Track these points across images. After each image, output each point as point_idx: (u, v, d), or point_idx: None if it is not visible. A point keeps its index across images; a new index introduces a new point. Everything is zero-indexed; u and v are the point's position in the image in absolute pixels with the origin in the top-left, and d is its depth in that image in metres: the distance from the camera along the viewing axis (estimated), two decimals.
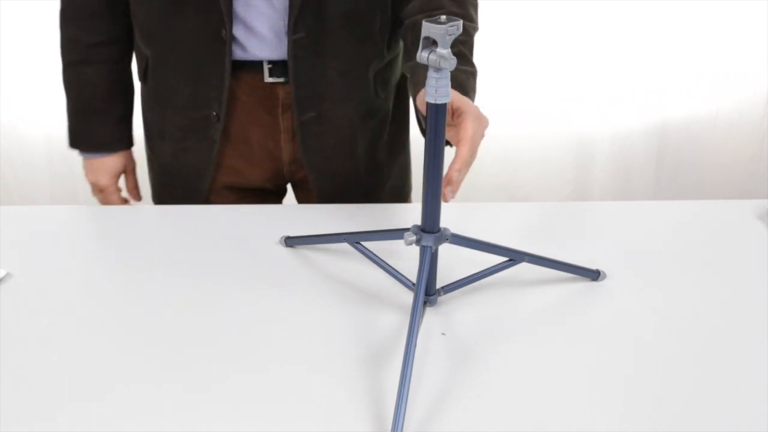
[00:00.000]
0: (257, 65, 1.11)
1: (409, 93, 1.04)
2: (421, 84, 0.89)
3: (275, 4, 1.06)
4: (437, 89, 0.73)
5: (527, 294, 0.93)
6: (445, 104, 0.75)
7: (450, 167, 0.82)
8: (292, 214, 1.14)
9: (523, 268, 0.93)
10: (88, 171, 1.27)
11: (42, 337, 0.84)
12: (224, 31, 1.06)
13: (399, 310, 0.89)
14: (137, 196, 1.32)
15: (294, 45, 1.07)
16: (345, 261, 0.99)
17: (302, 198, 1.29)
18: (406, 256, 0.91)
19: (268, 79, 1.12)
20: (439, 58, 0.71)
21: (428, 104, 0.75)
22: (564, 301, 0.92)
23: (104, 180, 1.25)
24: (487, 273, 0.91)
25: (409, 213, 1.14)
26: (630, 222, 1.11)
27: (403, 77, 1.21)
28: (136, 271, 0.98)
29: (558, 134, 2.24)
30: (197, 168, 1.19)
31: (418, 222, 0.83)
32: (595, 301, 0.92)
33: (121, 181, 1.30)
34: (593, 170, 2.32)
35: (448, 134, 0.86)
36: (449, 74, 0.73)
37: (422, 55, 0.72)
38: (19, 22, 1.98)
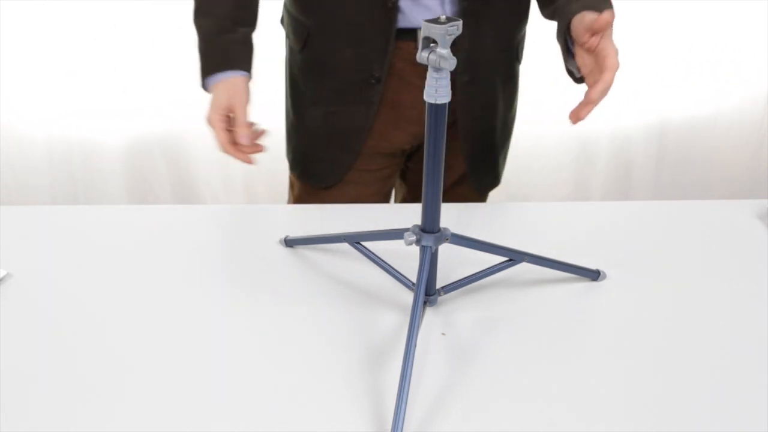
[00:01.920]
0: (412, 34, 1.14)
1: (557, 37, 1.10)
2: (577, 11, 1.03)
3: None
4: (437, 89, 0.73)
5: (527, 294, 0.93)
6: (445, 104, 0.75)
7: (592, 89, 0.97)
8: (292, 214, 1.14)
9: (523, 268, 0.93)
10: (208, 111, 1.14)
11: (42, 337, 0.84)
12: (390, 0, 1.10)
13: (399, 310, 0.89)
14: (245, 137, 1.11)
15: (461, 11, 1.12)
16: (345, 261, 0.99)
17: (419, 160, 1.32)
18: (406, 256, 0.91)
19: None
20: (439, 58, 0.71)
21: (428, 104, 0.75)
22: (564, 301, 0.92)
23: (212, 115, 1.13)
24: (487, 273, 0.91)
25: (409, 213, 1.14)
26: (630, 222, 1.11)
27: None
28: (136, 271, 0.98)
29: (558, 134, 2.24)
30: (350, 130, 1.22)
31: (418, 222, 0.83)
32: (595, 301, 0.92)
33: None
34: (593, 170, 2.32)
35: (581, 58, 1.03)
36: (449, 74, 0.73)
37: (422, 55, 0.72)
38: (19, 22, 1.99)
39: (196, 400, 0.75)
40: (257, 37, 1.20)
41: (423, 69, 1.15)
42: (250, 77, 1.16)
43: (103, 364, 0.80)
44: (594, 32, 0.99)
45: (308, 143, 1.28)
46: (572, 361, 0.81)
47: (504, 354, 0.82)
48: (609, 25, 0.99)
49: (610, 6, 1.10)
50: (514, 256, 0.91)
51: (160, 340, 0.84)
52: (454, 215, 1.12)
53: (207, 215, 1.14)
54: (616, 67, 0.98)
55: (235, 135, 1.11)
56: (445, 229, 0.83)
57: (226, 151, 1.12)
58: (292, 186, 1.39)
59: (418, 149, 1.33)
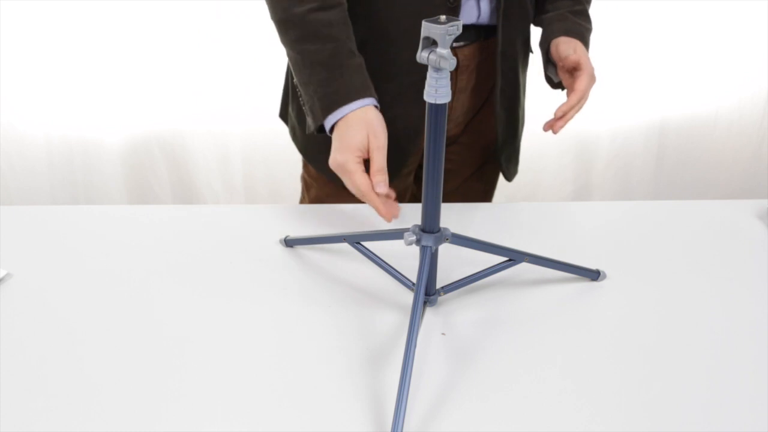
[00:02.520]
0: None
1: (541, 42, 1.22)
2: (557, 33, 1.18)
3: None
4: (437, 89, 0.73)
5: (527, 294, 0.93)
6: (445, 104, 0.75)
7: (558, 108, 1.12)
8: (292, 214, 1.14)
9: (523, 268, 0.93)
10: (337, 153, 1.00)
11: (42, 337, 0.84)
12: None
13: (399, 310, 0.89)
14: (381, 185, 0.96)
15: (503, 13, 1.15)
16: (345, 261, 0.99)
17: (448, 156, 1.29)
18: (406, 256, 0.91)
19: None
20: (439, 58, 0.71)
21: (428, 104, 0.75)
22: (564, 301, 0.92)
23: (344, 156, 0.98)
24: (487, 273, 0.91)
25: (409, 213, 1.14)
26: (630, 222, 1.11)
27: None
28: (136, 271, 0.98)
29: (558, 134, 2.24)
30: (407, 133, 1.18)
31: (418, 222, 0.83)
32: (595, 301, 0.92)
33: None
34: (593, 170, 2.32)
35: (565, 80, 1.16)
36: (449, 74, 0.73)
37: (422, 55, 0.72)
38: (19, 22, 1.99)
39: (196, 400, 0.75)
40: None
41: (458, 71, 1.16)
42: (370, 96, 1.03)
43: (103, 363, 0.80)
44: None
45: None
46: (572, 360, 0.81)
47: (504, 354, 0.82)
48: (575, 64, 1.12)
49: (587, 26, 1.22)
50: (514, 256, 0.91)
51: (160, 340, 0.84)
52: (454, 215, 1.12)
53: (207, 215, 1.14)
54: (582, 90, 1.12)
55: (373, 181, 0.96)
56: (445, 229, 0.83)
57: (369, 200, 0.96)
58: (307, 187, 1.31)
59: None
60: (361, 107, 1.00)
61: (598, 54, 2.15)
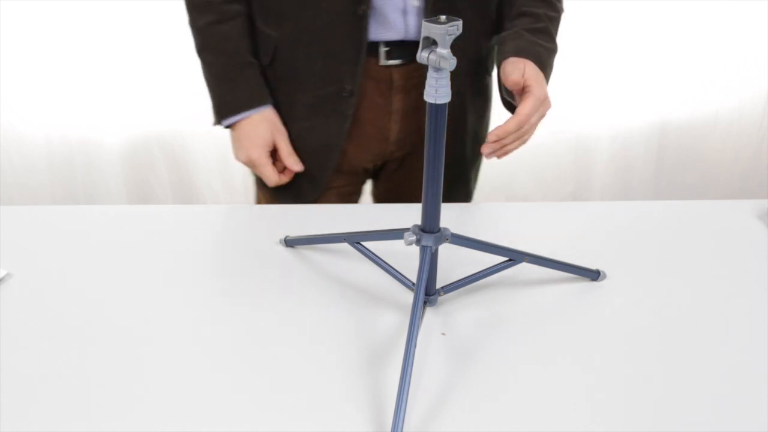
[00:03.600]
0: (373, 49, 1.12)
1: (495, 63, 1.17)
2: (507, 53, 1.08)
3: None
4: (437, 89, 0.73)
5: (527, 294, 0.93)
6: (445, 104, 0.75)
7: (492, 131, 1.03)
8: (292, 214, 1.14)
9: (523, 268, 0.93)
10: (237, 149, 1.19)
11: (42, 337, 0.84)
12: (362, 7, 1.07)
13: (399, 310, 0.89)
14: (297, 164, 1.19)
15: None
16: (345, 261, 0.99)
17: (387, 178, 1.31)
18: (406, 256, 0.91)
19: (383, 62, 1.13)
20: (439, 58, 0.71)
21: (428, 104, 0.75)
22: (564, 301, 0.92)
23: (254, 153, 1.17)
24: (487, 273, 0.91)
25: (409, 213, 1.14)
26: (630, 222, 1.11)
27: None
28: (136, 271, 0.98)
29: (558, 134, 2.24)
30: (325, 147, 1.18)
31: (418, 222, 0.83)
32: (595, 301, 0.92)
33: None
34: (593, 170, 2.32)
35: (512, 86, 1.05)
36: (449, 74, 0.73)
37: (422, 55, 0.72)
38: (19, 22, 1.99)
39: (196, 400, 0.75)
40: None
41: (385, 86, 1.16)
42: (265, 101, 1.17)
43: (103, 363, 0.80)
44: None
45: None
46: (572, 361, 0.81)
47: (504, 354, 0.82)
48: (517, 85, 1.04)
49: (547, 45, 1.14)
50: (514, 256, 0.91)
51: (159, 340, 0.84)
52: (454, 215, 1.12)
53: (207, 215, 1.14)
54: (525, 115, 1.02)
55: (289, 166, 1.17)
56: (445, 229, 0.83)
57: (276, 183, 1.18)
58: (258, 199, 1.34)
59: (382, 167, 1.30)
60: (262, 111, 1.16)
61: (598, 54, 2.16)
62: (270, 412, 0.74)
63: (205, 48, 1.17)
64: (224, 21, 1.14)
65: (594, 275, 0.95)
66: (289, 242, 1.03)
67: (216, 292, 0.93)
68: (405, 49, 1.12)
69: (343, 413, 0.73)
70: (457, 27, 0.70)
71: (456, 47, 1.12)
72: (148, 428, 0.72)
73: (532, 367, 0.80)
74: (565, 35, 2.12)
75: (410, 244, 0.82)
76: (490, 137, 1.03)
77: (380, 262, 0.94)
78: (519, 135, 1.04)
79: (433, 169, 0.78)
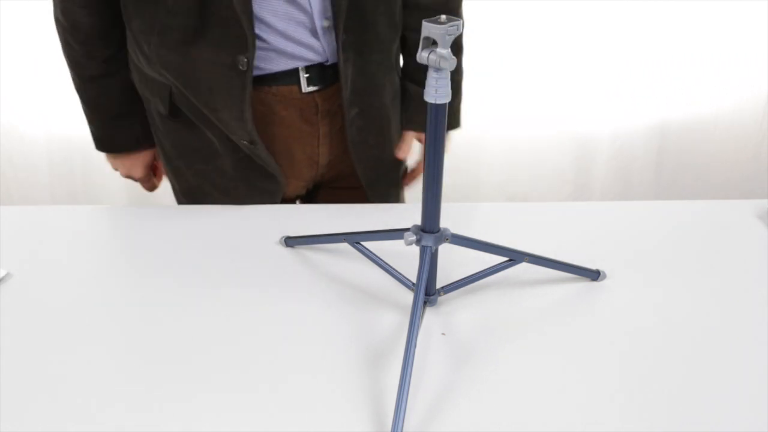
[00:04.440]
0: (293, 77, 1.09)
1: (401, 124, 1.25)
2: (407, 125, 1.25)
3: (306, 7, 1.04)
4: (437, 89, 0.73)
5: (527, 294, 0.93)
6: (445, 104, 0.75)
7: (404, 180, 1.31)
8: (292, 214, 1.14)
9: (523, 268, 0.93)
10: (119, 167, 1.25)
11: (42, 337, 0.84)
12: (244, 59, 1.02)
13: (399, 310, 0.89)
14: (155, 187, 1.35)
15: (343, 47, 1.07)
16: (345, 261, 0.99)
17: (326, 198, 1.29)
18: (406, 256, 0.91)
19: (306, 89, 1.11)
20: (439, 58, 0.71)
21: (428, 104, 0.75)
22: (564, 301, 0.92)
23: (139, 173, 1.26)
24: (487, 273, 0.91)
25: (409, 213, 1.14)
26: (630, 222, 1.11)
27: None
28: (136, 271, 0.98)
29: (558, 134, 2.24)
30: (266, 173, 1.15)
31: (418, 222, 0.83)
32: (595, 301, 0.92)
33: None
34: (593, 170, 2.32)
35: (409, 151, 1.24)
36: (449, 74, 0.73)
37: (422, 55, 0.72)
38: (19, 22, 1.98)
39: (196, 400, 0.75)
40: None
41: (310, 113, 1.13)
42: (144, 146, 1.23)
43: (103, 363, 0.80)
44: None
45: (231, 195, 1.17)
46: (572, 360, 0.81)
47: (504, 354, 0.82)
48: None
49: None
50: (514, 256, 0.91)
51: (159, 340, 0.84)
52: (454, 215, 1.12)
53: (207, 215, 1.14)
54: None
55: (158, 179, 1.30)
56: (445, 229, 0.83)
57: (151, 191, 1.33)
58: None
59: (314, 191, 1.28)
60: (125, 155, 1.23)
61: (598, 54, 2.16)
62: (270, 411, 0.74)
63: (89, 98, 1.18)
64: (110, 75, 1.15)
65: (594, 275, 0.95)
66: (289, 242, 1.03)
67: (216, 292, 0.93)
68: (326, 72, 1.10)
69: (343, 413, 0.73)
70: (457, 27, 0.70)
71: (372, 62, 1.11)
72: (148, 428, 0.72)
73: (532, 366, 0.80)
74: (565, 35, 2.13)
75: (410, 244, 0.82)
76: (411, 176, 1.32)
77: (380, 262, 0.94)
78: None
79: (433, 169, 0.78)
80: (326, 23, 1.06)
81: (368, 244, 0.95)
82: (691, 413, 0.74)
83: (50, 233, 1.07)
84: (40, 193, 2.21)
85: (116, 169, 1.26)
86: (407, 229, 0.83)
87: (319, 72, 1.10)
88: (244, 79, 1.04)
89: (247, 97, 1.05)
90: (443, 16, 0.71)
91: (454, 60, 0.71)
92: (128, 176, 1.27)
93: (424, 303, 0.88)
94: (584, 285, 0.95)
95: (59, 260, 1.00)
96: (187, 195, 1.25)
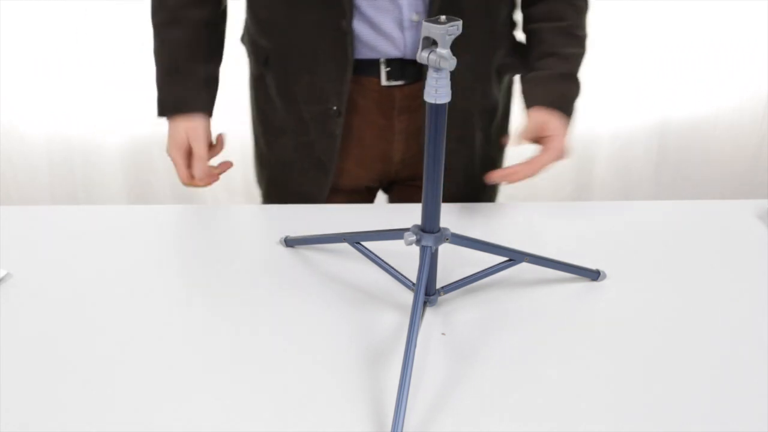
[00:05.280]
0: (374, 68, 1.09)
1: (524, 102, 1.15)
2: (533, 101, 1.11)
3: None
4: (437, 89, 0.73)
5: (527, 294, 0.93)
6: (445, 104, 0.75)
7: (499, 171, 1.08)
8: (292, 214, 1.14)
9: (523, 268, 0.93)
10: (169, 148, 1.20)
11: (42, 337, 0.84)
12: (344, 22, 1.04)
13: (399, 310, 0.89)
14: (202, 172, 1.18)
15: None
16: (345, 261, 0.99)
17: (400, 196, 1.28)
18: (406, 256, 0.91)
19: (384, 83, 1.10)
20: (439, 58, 0.71)
21: (428, 104, 0.75)
22: (564, 301, 0.92)
23: (172, 152, 1.19)
24: (487, 273, 0.91)
25: (409, 213, 1.14)
26: (630, 222, 1.11)
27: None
28: (136, 270, 0.98)
29: None
30: (321, 162, 1.16)
31: (418, 222, 0.83)
32: (595, 301, 0.92)
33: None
34: (593, 170, 2.32)
35: (532, 139, 1.09)
36: (449, 74, 0.73)
37: (422, 55, 0.72)
38: (19, 23, 1.98)
39: (196, 400, 0.75)
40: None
41: (387, 107, 1.13)
42: (210, 116, 1.17)
43: (103, 363, 0.80)
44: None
45: (281, 175, 1.22)
46: (572, 361, 0.81)
47: (504, 354, 0.82)
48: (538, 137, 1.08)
49: (569, 97, 1.12)
50: (514, 256, 0.91)
51: (159, 340, 0.84)
52: (454, 215, 1.12)
53: (207, 215, 1.14)
54: (540, 165, 1.06)
55: (193, 168, 1.16)
56: (445, 229, 0.83)
57: (184, 184, 1.18)
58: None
59: (391, 185, 1.27)
60: (190, 117, 1.15)
61: (598, 54, 2.15)
62: (270, 412, 0.74)
63: (155, 48, 1.17)
64: (175, 25, 1.14)
65: (594, 275, 0.95)
66: (289, 242, 1.03)
67: (216, 292, 0.93)
68: (407, 68, 1.09)
69: (343, 413, 0.73)
70: (457, 27, 0.70)
71: (461, 60, 1.08)
72: (147, 428, 0.72)
73: (532, 366, 0.80)
74: None
75: (410, 244, 0.82)
76: (498, 172, 1.08)
77: (380, 262, 0.94)
78: (528, 176, 1.07)
79: (433, 169, 0.78)
80: (416, 17, 1.05)
81: (368, 244, 0.95)
82: (691, 413, 0.74)
83: (50, 233, 1.07)
84: (40, 193, 2.21)
85: (174, 145, 1.18)
86: (407, 229, 0.83)
87: (400, 67, 1.09)
88: (345, 40, 1.05)
89: (350, 58, 1.07)
90: (443, 17, 0.71)
91: (454, 60, 0.72)
92: (170, 156, 1.18)
93: (424, 303, 0.88)
94: (584, 285, 0.95)
95: (59, 260, 1.00)
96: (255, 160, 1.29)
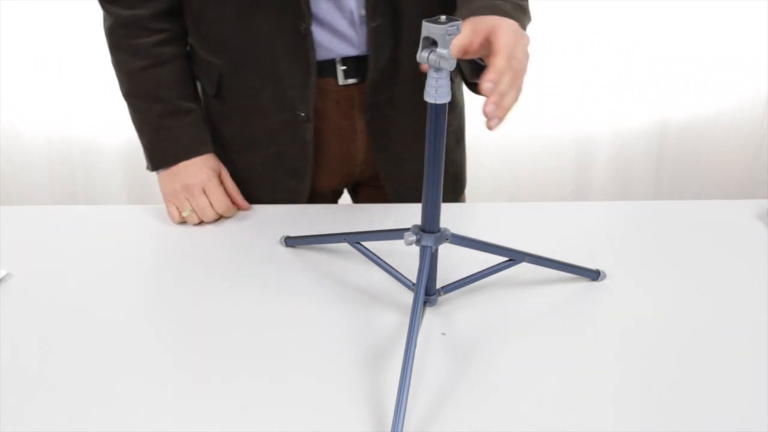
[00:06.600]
0: (330, 69, 1.08)
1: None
2: (466, 16, 0.84)
3: None
4: (437, 89, 0.73)
5: (527, 294, 0.93)
6: (445, 104, 0.75)
7: (485, 77, 0.77)
8: (292, 214, 1.14)
9: (523, 268, 0.93)
10: (176, 179, 1.11)
11: (42, 337, 0.84)
12: (303, 25, 1.01)
13: (399, 310, 0.89)
14: (245, 202, 1.16)
15: (374, 33, 1.04)
16: (345, 261, 0.99)
17: (366, 199, 1.27)
18: (406, 256, 0.91)
19: (342, 82, 1.09)
20: (439, 58, 0.71)
21: (428, 104, 0.75)
22: (564, 301, 0.92)
23: (204, 176, 1.11)
24: (487, 273, 0.91)
25: (409, 213, 1.14)
26: (630, 222, 1.11)
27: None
28: (136, 271, 0.98)
29: (558, 134, 2.24)
30: (294, 170, 1.14)
31: (418, 222, 0.83)
32: (595, 301, 0.92)
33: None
34: (593, 170, 2.32)
35: (477, 49, 0.81)
36: (449, 74, 0.73)
37: (422, 55, 0.72)
38: (19, 23, 1.99)
39: (196, 400, 0.75)
40: None
41: (347, 106, 1.11)
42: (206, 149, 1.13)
43: (103, 363, 0.80)
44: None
45: (253, 189, 1.17)
46: (572, 361, 0.81)
47: (504, 354, 0.82)
48: (485, 33, 0.81)
49: (509, 7, 0.90)
50: (514, 256, 0.91)
51: (159, 340, 0.84)
52: (454, 215, 1.12)
53: None
54: (507, 48, 0.79)
55: (239, 204, 1.14)
56: (445, 229, 0.83)
57: (227, 215, 1.12)
58: None
59: (355, 187, 1.26)
60: (198, 158, 1.11)
61: (598, 54, 2.16)
62: (270, 412, 0.74)
63: (136, 94, 1.12)
64: (159, 65, 1.09)
65: (594, 275, 0.95)
66: (289, 242, 1.03)
67: (216, 292, 0.93)
68: (362, 65, 1.08)
69: (343, 413, 0.73)
70: (456, 27, 0.70)
71: (405, 54, 1.04)
72: (148, 427, 0.72)
73: (532, 367, 0.80)
74: (565, 35, 2.13)
75: (410, 244, 0.82)
76: (485, 89, 0.77)
77: (380, 262, 0.94)
78: (512, 75, 0.79)
79: (433, 169, 0.78)
80: (363, 12, 1.04)
81: (368, 244, 0.95)
82: (691, 413, 0.74)
83: (50, 233, 1.07)
84: (40, 193, 2.21)
85: (172, 186, 1.11)
86: (407, 229, 0.83)
87: (355, 64, 1.08)
88: (306, 42, 1.03)
89: (312, 61, 1.04)
90: (443, 17, 0.71)
91: (453, 60, 0.71)
92: (190, 186, 1.10)
93: (424, 303, 0.88)
94: (584, 285, 0.95)
95: (59, 260, 1.00)
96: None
